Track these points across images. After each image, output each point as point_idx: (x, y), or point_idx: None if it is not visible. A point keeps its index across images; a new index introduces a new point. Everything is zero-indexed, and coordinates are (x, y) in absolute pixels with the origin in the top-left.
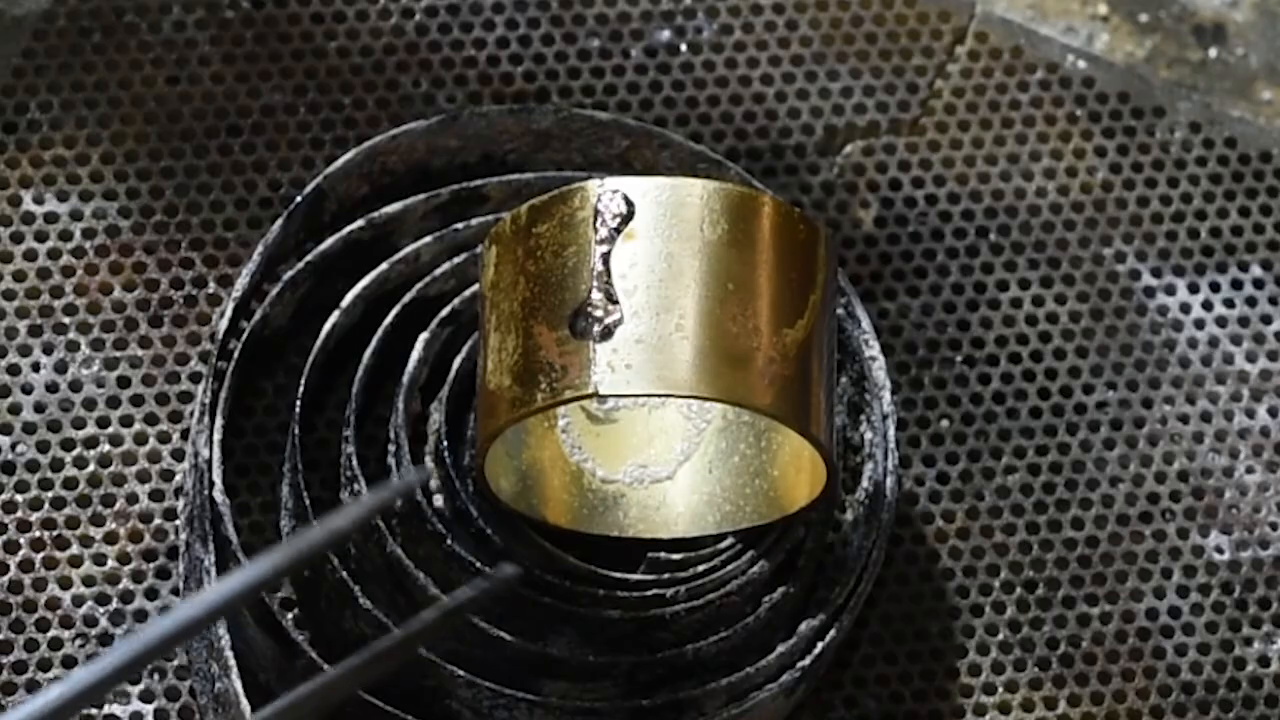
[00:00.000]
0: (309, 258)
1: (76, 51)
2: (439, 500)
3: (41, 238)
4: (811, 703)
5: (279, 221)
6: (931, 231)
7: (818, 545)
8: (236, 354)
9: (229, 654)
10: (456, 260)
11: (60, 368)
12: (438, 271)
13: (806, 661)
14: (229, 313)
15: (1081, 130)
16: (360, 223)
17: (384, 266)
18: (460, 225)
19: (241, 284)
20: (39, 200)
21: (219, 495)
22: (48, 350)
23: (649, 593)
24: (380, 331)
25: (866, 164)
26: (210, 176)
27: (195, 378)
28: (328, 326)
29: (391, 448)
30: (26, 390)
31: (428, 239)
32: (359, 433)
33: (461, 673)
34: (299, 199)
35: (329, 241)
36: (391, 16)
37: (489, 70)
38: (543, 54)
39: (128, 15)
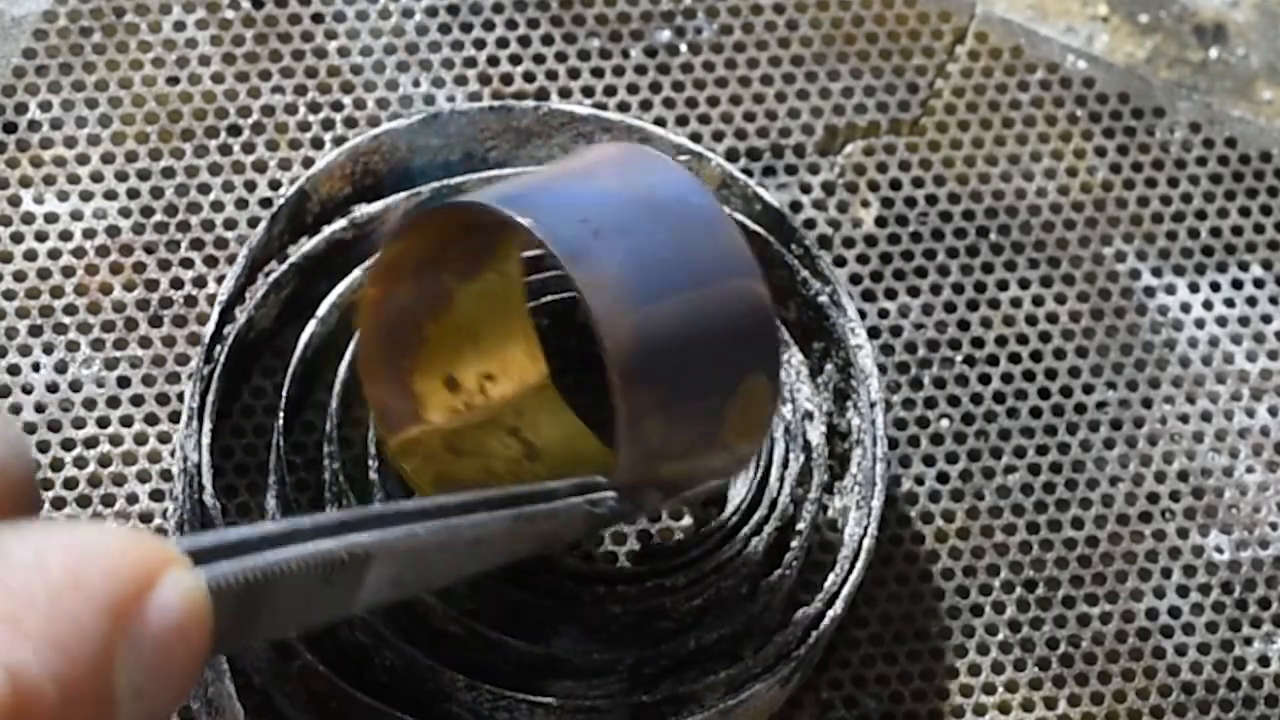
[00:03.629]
0: (292, 259)
1: (76, 51)
2: None
3: (41, 238)
4: (811, 702)
5: (261, 224)
6: (932, 231)
7: (809, 526)
8: (222, 357)
9: (222, 656)
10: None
11: (60, 368)
12: None
13: (801, 651)
14: (215, 316)
15: (1082, 130)
16: (342, 223)
17: (357, 273)
18: None
19: (226, 287)
20: (39, 200)
21: (209, 499)
22: (48, 350)
23: (649, 584)
24: (353, 344)
25: (866, 164)
26: (210, 176)
27: None
28: (305, 335)
29: (373, 462)
30: (26, 390)
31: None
32: (343, 444)
33: (461, 677)
34: (281, 201)
35: (311, 242)
36: (391, 16)
37: (489, 70)
38: (543, 54)
39: (128, 15)
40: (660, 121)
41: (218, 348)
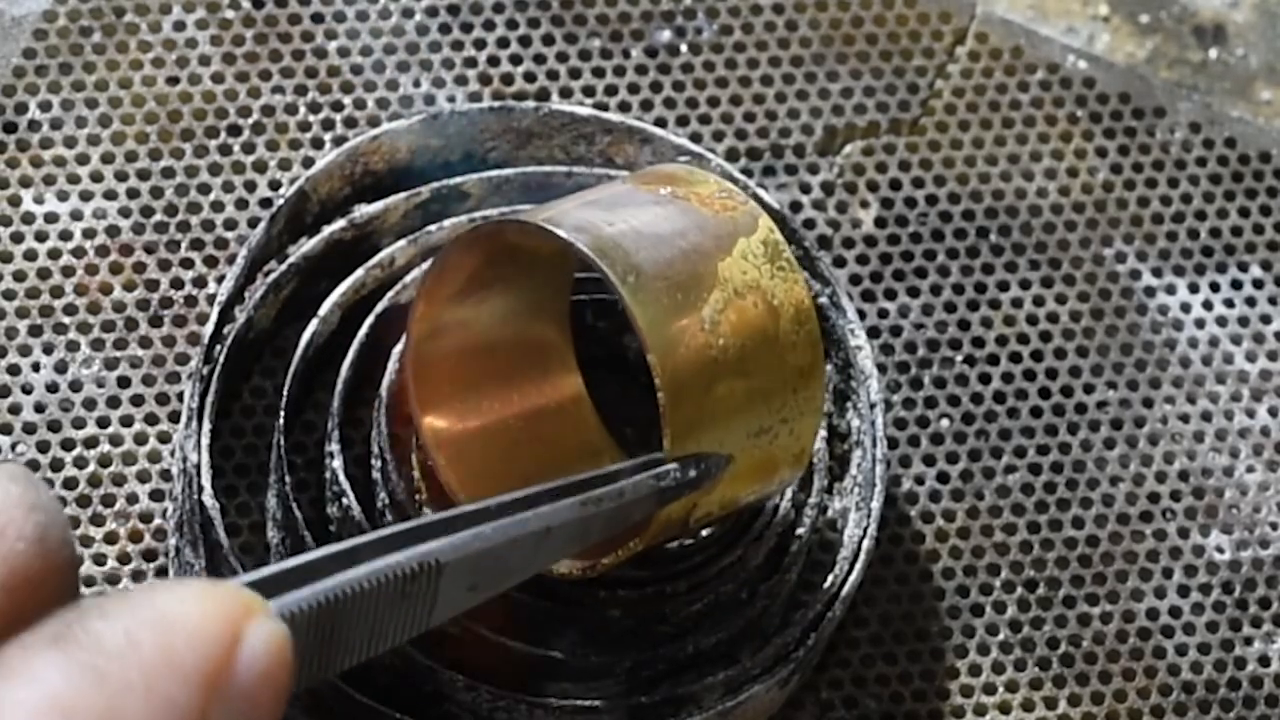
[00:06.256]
0: (291, 259)
1: (76, 51)
2: (428, 513)
3: (41, 238)
4: (811, 702)
5: (261, 224)
6: (932, 231)
7: (809, 530)
8: (221, 357)
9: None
10: (429, 264)
11: (60, 368)
12: (408, 279)
13: (800, 653)
14: (214, 316)
15: (1082, 130)
16: (341, 223)
17: (359, 273)
18: (434, 227)
19: (226, 287)
20: (39, 200)
21: (208, 499)
22: (48, 350)
23: (648, 589)
24: (356, 344)
25: (866, 164)
26: (210, 176)
27: None
28: (306, 335)
29: (376, 462)
30: (26, 390)
31: (401, 242)
32: (343, 444)
33: (461, 678)
34: (281, 201)
35: (311, 243)
36: (391, 16)
37: (489, 70)
38: (543, 54)
39: (128, 15)
40: (660, 122)
41: (217, 348)
